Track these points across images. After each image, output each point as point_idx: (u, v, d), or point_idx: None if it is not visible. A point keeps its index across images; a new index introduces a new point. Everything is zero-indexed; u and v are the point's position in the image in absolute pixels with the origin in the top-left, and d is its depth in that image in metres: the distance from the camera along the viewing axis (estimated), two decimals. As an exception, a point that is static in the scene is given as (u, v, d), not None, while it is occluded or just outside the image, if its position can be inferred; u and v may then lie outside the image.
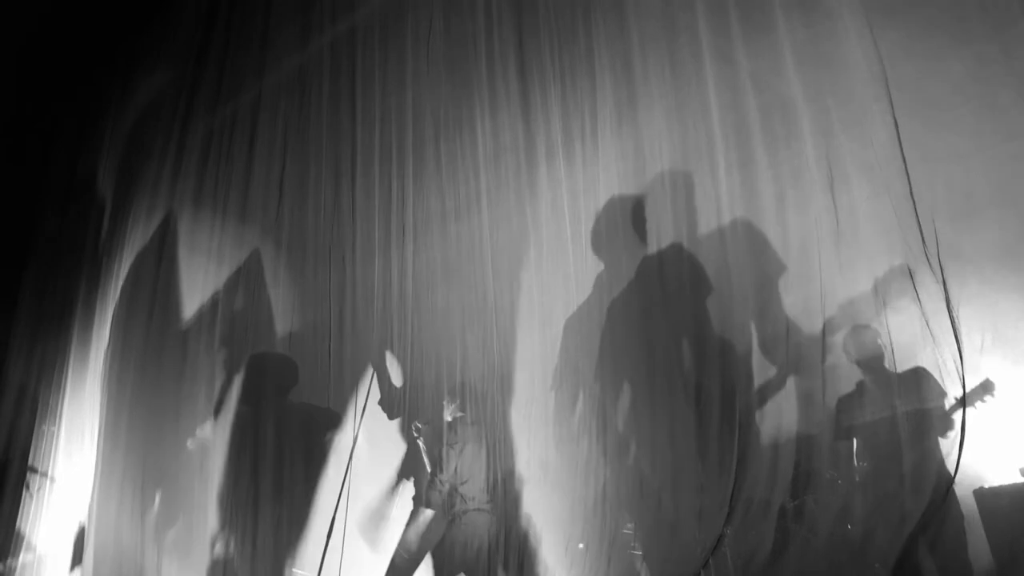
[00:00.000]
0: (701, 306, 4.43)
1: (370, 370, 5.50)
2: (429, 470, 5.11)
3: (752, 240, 4.37)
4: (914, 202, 3.89)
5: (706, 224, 4.52)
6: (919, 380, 3.89)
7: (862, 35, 4.22)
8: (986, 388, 3.68)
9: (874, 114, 4.13)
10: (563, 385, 4.74)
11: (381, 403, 5.38)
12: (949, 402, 3.75)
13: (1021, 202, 3.85)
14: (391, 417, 5.35)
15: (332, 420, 5.55)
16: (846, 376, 4.16)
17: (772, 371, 4.21)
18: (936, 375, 3.80)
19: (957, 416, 3.67)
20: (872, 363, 4.14)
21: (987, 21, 4.04)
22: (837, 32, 4.36)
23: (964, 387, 3.65)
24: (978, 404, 3.67)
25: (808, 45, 4.44)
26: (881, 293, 4.02)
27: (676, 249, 4.55)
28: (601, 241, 4.80)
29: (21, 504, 6.10)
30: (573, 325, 4.78)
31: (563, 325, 4.80)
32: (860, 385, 4.13)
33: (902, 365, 3.97)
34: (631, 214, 4.72)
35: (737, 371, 4.25)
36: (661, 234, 4.62)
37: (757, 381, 4.18)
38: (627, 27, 5.06)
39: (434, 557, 4.90)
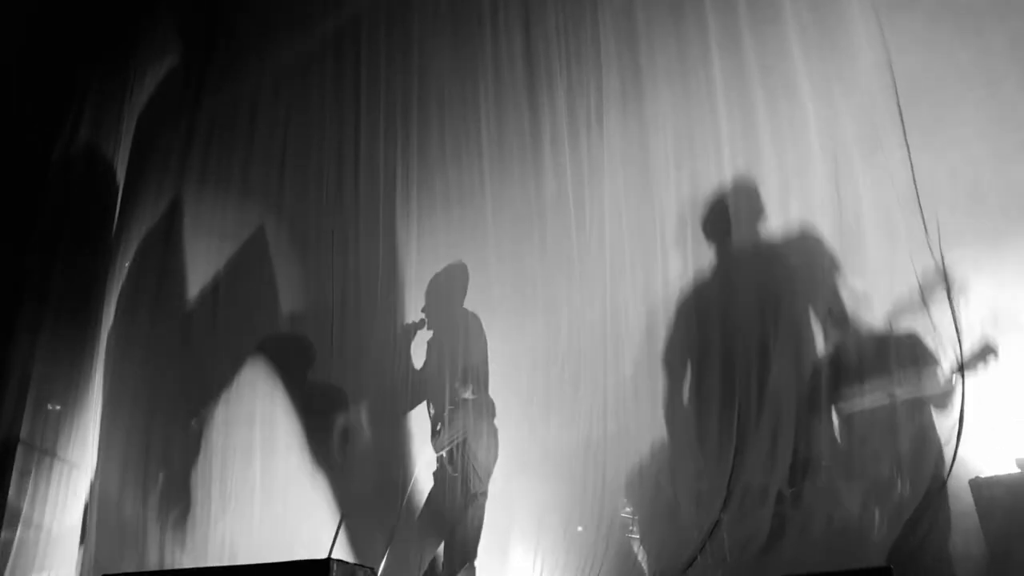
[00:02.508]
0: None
1: (371, 353, 5.52)
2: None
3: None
4: (917, 191, 3.90)
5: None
6: (913, 346, 3.90)
7: (868, 24, 4.23)
8: (987, 352, 3.65)
9: (879, 103, 4.13)
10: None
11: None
12: (943, 372, 3.74)
13: (1024, 192, 3.85)
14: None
15: (339, 401, 5.57)
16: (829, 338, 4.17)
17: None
18: (930, 343, 3.82)
19: (956, 386, 3.67)
20: (855, 321, 4.10)
21: (993, 11, 4.04)
22: (844, 21, 4.37)
23: (963, 376, 3.66)
24: (979, 367, 3.64)
25: (815, 34, 4.44)
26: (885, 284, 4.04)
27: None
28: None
29: (23, 481, 6.14)
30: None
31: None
32: (838, 347, 4.11)
33: (900, 348, 3.97)
34: (714, 213, 4.64)
35: (738, 360, 4.26)
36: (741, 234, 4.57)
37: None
38: (634, 14, 5.06)
39: (453, 538, 4.92)
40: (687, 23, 4.84)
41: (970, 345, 3.71)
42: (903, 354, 3.91)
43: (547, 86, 5.22)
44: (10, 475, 6.01)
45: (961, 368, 3.66)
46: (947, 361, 3.74)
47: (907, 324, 3.92)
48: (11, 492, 5.97)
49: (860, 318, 4.08)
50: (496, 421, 5.05)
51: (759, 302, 4.33)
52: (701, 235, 4.62)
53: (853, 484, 3.82)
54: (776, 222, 4.45)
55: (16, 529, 5.92)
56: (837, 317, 4.11)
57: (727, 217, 4.53)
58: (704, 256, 4.60)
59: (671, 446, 4.34)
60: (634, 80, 4.96)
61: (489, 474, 4.95)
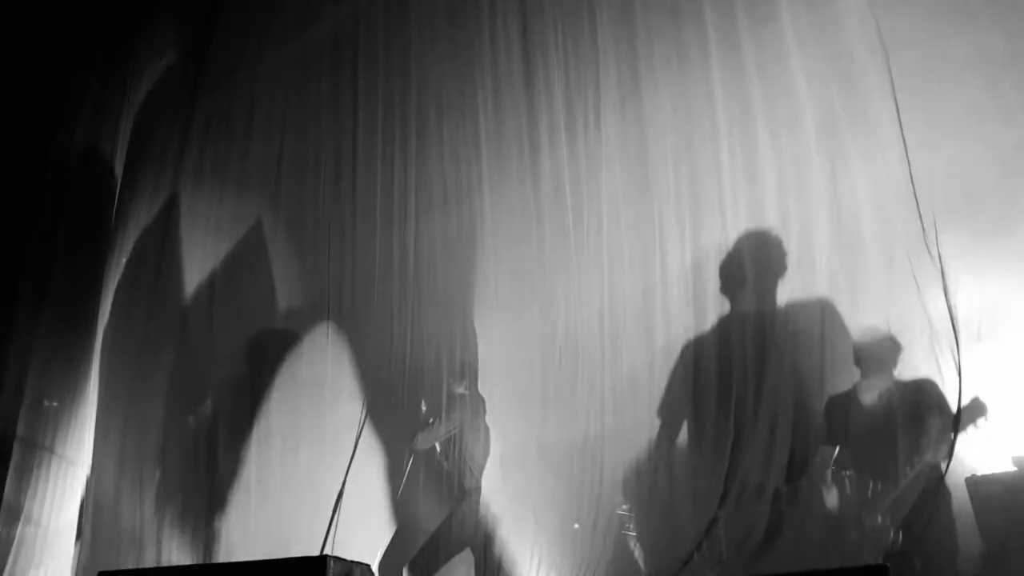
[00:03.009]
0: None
1: (374, 353, 5.52)
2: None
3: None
4: (914, 189, 3.90)
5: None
6: (920, 392, 3.87)
7: (865, 22, 4.23)
8: (978, 410, 3.64)
9: (876, 101, 4.14)
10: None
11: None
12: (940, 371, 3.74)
13: (1021, 190, 3.85)
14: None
15: (332, 396, 5.58)
16: (843, 373, 4.14)
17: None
18: (941, 388, 3.79)
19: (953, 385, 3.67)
20: (878, 371, 4.05)
21: (990, 9, 4.04)
22: (840, 19, 4.37)
23: (960, 374, 3.66)
24: (970, 429, 3.63)
25: (811, 32, 4.45)
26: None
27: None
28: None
29: (17, 475, 6.14)
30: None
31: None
32: (856, 387, 4.10)
33: (904, 367, 3.97)
34: (731, 265, 4.54)
35: (734, 354, 4.26)
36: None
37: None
38: (632, 13, 5.06)
39: (441, 534, 4.93)
40: (685, 22, 4.84)
41: (967, 340, 3.72)
42: (899, 354, 3.93)
43: (545, 84, 5.22)
44: (7, 472, 6.02)
45: (958, 365, 3.66)
46: (944, 360, 3.74)
47: (904, 323, 3.93)
48: (9, 489, 5.98)
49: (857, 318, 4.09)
50: (491, 418, 5.05)
51: (757, 296, 4.35)
52: (699, 232, 4.62)
53: (850, 482, 3.83)
54: (773, 219, 4.44)
55: (13, 526, 5.93)
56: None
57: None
58: (701, 252, 4.60)
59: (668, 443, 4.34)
60: (632, 78, 4.96)
61: (482, 470, 4.95)
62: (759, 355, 4.18)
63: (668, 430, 4.45)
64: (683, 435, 4.35)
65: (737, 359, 4.24)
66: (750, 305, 4.38)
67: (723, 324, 4.42)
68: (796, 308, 4.22)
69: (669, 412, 4.48)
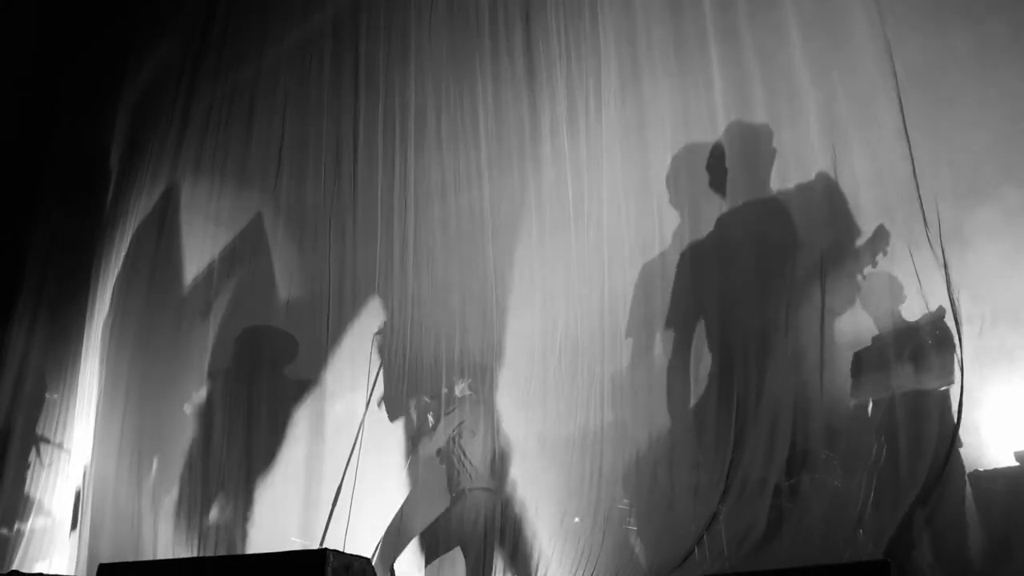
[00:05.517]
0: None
1: (375, 345, 5.51)
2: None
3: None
4: (917, 182, 3.86)
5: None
6: (911, 339, 3.86)
7: (868, 11, 4.19)
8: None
9: (879, 92, 4.10)
10: (637, 333, 4.67)
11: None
12: (943, 364, 3.72)
13: (1024, 183, 3.82)
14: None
15: (325, 391, 5.58)
16: (863, 329, 4.10)
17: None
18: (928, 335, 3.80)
19: (955, 379, 3.64)
20: (891, 313, 4.03)
21: (993, 1, 4.00)
22: (843, 8, 4.33)
23: (962, 374, 3.62)
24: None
25: (814, 21, 4.40)
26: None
27: (761, 204, 4.46)
28: (681, 191, 4.70)
29: (30, 471, 6.18)
30: (647, 273, 4.70)
31: (640, 272, 4.70)
32: (876, 340, 4.06)
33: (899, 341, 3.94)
34: (709, 165, 4.62)
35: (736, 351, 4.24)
36: (741, 188, 4.53)
37: None
38: (633, 3, 5.02)
39: (434, 530, 4.92)
40: (685, 13, 4.80)
41: (969, 336, 3.68)
42: (902, 347, 3.90)
43: (546, 75, 5.20)
44: (9, 464, 6.05)
45: (960, 363, 3.64)
46: (946, 353, 3.72)
47: (906, 317, 3.91)
48: (13, 482, 6.01)
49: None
50: (490, 414, 5.01)
51: (760, 286, 4.31)
52: (699, 225, 4.59)
53: (851, 477, 3.81)
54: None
55: (17, 519, 5.95)
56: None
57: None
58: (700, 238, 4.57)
59: (669, 437, 4.31)
60: (633, 70, 4.93)
61: (480, 473, 4.91)
62: (762, 350, 4.15)
63: (682, 335, 4.47)
64: (684, 424, 4.32)
65: (739, 351, 4.21)
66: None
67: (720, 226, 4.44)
68: (797, 305, 4.19)
69: (682, 318, 4.48)
